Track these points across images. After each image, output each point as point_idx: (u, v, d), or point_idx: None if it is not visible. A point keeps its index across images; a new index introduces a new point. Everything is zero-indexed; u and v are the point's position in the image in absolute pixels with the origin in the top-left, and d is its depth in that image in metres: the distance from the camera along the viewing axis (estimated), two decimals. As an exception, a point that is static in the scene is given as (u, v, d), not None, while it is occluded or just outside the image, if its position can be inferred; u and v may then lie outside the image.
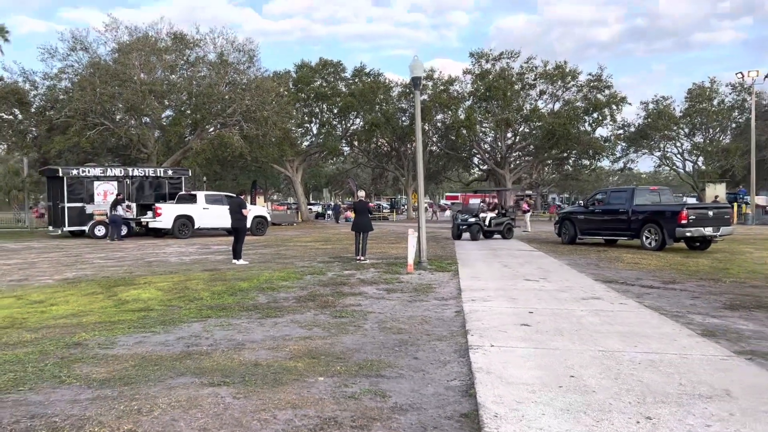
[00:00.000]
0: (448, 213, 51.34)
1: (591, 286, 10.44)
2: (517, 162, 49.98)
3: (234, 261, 14.81)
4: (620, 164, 51.83)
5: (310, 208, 54.80)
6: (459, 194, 79.44)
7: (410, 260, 13.15)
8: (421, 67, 14.18)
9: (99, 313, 8.15)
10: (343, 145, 50.58)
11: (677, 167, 53.89)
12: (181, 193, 26.58)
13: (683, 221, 16.86)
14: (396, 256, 16.33)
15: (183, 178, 27.87)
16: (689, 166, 52.97)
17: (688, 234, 17.00)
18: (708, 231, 17.24)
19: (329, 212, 56.54)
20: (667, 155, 52.40)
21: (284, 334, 6.85)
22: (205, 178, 50.94)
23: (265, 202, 61.99)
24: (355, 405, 4.41)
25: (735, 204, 42.45)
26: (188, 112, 32.76)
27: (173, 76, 33.20)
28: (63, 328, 7.11)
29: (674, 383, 4.85)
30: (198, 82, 32.32)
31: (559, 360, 5.56)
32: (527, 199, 52.29)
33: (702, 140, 51.17)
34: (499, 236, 23.38)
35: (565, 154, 47.68)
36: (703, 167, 50.29)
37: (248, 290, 10.16)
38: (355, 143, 51.18)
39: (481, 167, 54.59)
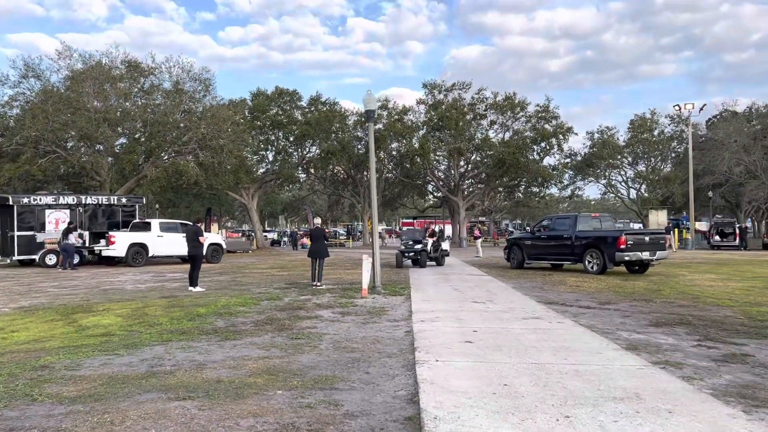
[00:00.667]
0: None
1: (533, 307, 11.19)
2: (470, 189, 51.35)
3: (190, 288, 15.03)
4: (568, 191, 53.88)
5: (266, 235, 54.74)
6: (414, 220, 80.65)
7: (365, 285, 13.69)
8: (374, 101, 14.93)
9: (61, 338, 8.40)
10: (299, 172, 51.07)
11: (621, 194, 56.29)
12: (135, 221, 26.52)
13: (622, 246, 17.95)
14: (351, 281, 16.83)
15: (137, 206, 27.80)
16: (633, 193, 55.41)
17: (626, 258, 18.08)
18: (645, 255, 18.37)
19: (285, 239, 56.61)
20: (612, 183, 54.77)
21: (243, 354, 7.28)
22: (157, 206, 50.50)
23: (219, 229, 61.52)
24: (311, 413, 4.91)
25: (676, 230, 44.62)
26: (143, 139, 32.75)
27: (127, 103, 33.21)
28: (27, 353, 7.37)
29: (594, 389, 5.53)
30: (153, 109, 32.43)
31: (495, 371, 6.18)
32: (479, 225, 53.56)
33: (644, 169, 53.69)
34: (433, 263, 23.37)
35: (516, 182, 49.28)
36: (646, 194, 52.71)
37: (206, 315, 10.50)
38: (311, 170, 51.73)
39: (435, 194, 55.80)
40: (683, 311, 10.76)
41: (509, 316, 10.06)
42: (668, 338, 8.22)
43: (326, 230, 19.21)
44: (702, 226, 55.49)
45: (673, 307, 11.27)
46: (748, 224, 52.04)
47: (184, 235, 17.04)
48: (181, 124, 32.04)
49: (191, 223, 17.37)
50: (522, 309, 10.96)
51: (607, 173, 53.72)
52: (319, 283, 15.62)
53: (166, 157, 32.65)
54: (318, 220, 20.75)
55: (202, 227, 16.37)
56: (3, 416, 4.86)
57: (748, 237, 42.33)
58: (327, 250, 16.52)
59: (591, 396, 5.28)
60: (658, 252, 18.71)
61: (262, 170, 48.90)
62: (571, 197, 56.96)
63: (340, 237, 59.22)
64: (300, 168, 50.22)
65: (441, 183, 50.90)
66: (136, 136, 33.24)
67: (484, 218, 71.29)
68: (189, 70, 33.84)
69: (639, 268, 19.05)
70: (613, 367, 6.39)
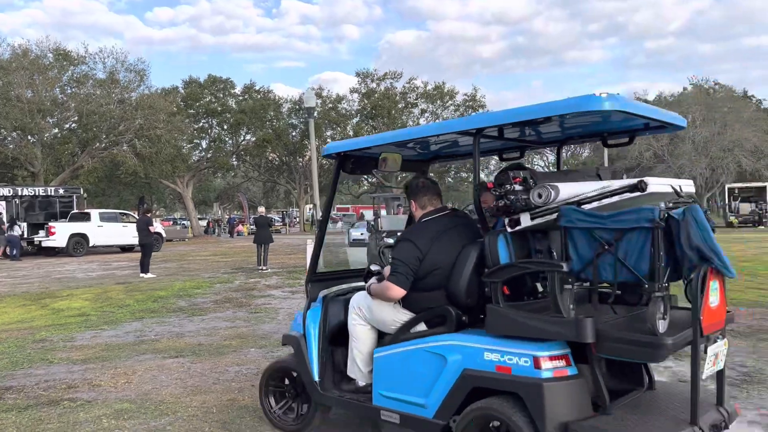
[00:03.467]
0: (339, 224, 53.60)
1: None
2: (404, 175, 53.21)
3: (142, 275, 15.98)
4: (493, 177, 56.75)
5: (202, 223, 54.89)
6: (350, 206, 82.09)
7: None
8: (313, 99, 16.32)
9: (43, 319, 9.42)
10: (234, 159, 51.44)
11: (545, 179, 59.74)
12: (74, 211, 26.74)
13: None
14: (294, 265, 18.17)
15: (74, 197, 27.97)
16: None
17: None
18: None
19: (217, 228, 56.84)
20: (535, 168, 58.01)
21: (212, 326, 8.59)
22: (85, 195, 49.77)
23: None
24: (282, 361, 6.33)
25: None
26: (79, 130, 32.62)
27: (57, 90, 32.88)
28: (20, 331, 8.41)
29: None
30: (86, 98, 32.30)
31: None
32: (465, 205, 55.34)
33: (564, 155, 57.19)
34: None
35: (446, 168, 51.49)
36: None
37: (167, 297, 11.65)
38: (246, 158, 52.21)
39: (369, 180, 57.40)
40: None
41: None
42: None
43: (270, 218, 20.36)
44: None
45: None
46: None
47: (135, 225, 17.87)
48: (116, 114, 32.11)
49: (132, 214, 18.22)
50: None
51: (530, 159, 56.83)
52: (264, 267, 16.88)
53: (102, 147, 32.67)
54: (262, 209, 21.89)
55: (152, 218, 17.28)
56: (33, 374, 6.05)
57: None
58: (271, 236, 17.81)
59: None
60: None
61: (195, 158, 49.05)
62: (498, 182, 59.92)
63: (276, 224, 59.95)
64: (234, 156, 50.62)
65: (375, 169, 52.61)
66: (68, 125, 33.04)
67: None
68: (123, 61, 33.86)
69: None
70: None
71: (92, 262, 21.87)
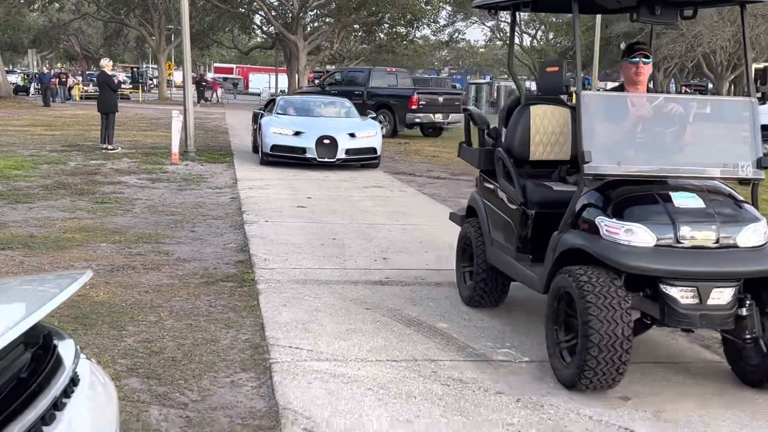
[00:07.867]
0: (220, 92, 53.45)
1: (377, 177, 14.15)
2: (315, 25, 52.93)
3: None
4: (445, 35, 57.36)
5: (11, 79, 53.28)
6: (234, 66, 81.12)
7: (175, 149, 15.76)
8: None
9: None
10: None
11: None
12: None
13: (413, 107, 21.72)
14: (152, 145, 18.75)
15: None
16: (527, 41, 60.06)
17: (417, 120, 22.12)
18: (438, 117, 22.58)
19: (36, 86, 55.24)
20: (501, 26, 58.75)
21: (45, 216, 9.34)
22: None
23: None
24: (143, 258, 7.28)
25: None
26: None
27: None
28: None
29: (415, 241, 8.40)
30: None
31: (326, 230, 8.91)
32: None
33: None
34: None
35: (377, 18, 51.45)
36: (542, 43, 57.57)
37: (-25, 179, 12.18)
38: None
39: (264, 29, 56.71)
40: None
41: (349, 185, 12.86)
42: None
43: (117, 76, 20.49)
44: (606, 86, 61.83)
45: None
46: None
47: None
48: None
49: None
50: (365, 178, 13.85)
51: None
52: (109, 146, 17.34)
53: None
54: (107, 63, 21.60)
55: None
56: None
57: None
58: (116, 103, 18.20)
59: (410, 247, 8.15)
60: (452, 114, 22.82)
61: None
62: (449, 43, 60.62)
63: (124, 86, 58.86)
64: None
65: (274, 14, 51.84)
66: None
67: (334, 67, 73.40)
68: None
69: (432, 131, 23.40)
70: (438, 227, 9.34)
71: None
